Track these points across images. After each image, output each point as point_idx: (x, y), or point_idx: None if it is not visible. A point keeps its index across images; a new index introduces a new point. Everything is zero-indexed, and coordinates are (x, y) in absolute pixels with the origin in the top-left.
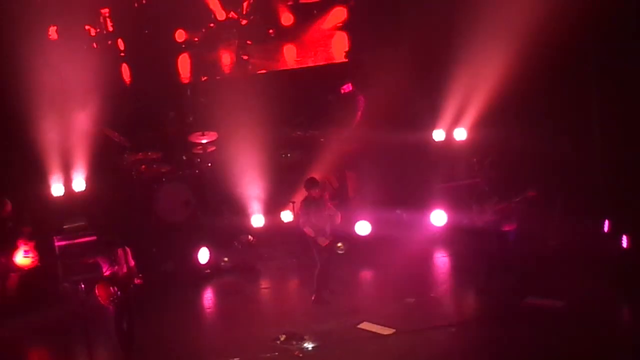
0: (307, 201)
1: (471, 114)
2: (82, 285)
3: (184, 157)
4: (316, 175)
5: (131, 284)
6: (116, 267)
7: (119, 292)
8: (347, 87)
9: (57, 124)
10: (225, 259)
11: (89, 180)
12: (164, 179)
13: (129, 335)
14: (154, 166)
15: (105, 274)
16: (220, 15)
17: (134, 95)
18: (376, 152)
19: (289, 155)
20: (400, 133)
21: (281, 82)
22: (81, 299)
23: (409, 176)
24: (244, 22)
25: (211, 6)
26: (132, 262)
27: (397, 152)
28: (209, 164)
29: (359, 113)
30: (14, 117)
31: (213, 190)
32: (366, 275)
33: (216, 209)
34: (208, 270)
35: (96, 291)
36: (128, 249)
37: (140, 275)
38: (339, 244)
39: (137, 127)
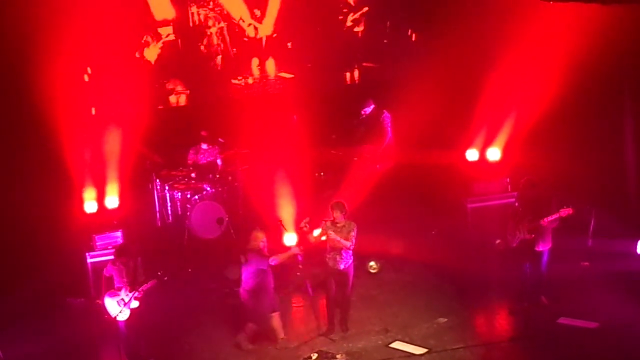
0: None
1: (505, 133)
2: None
3: (217, 176)
4: (344, 195)
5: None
6: (126, 280)
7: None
8: (369, 106)
9: (92, 140)
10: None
11: (122, 197)
12: (197, 197)
13: (137, 355)
14: (188, 184)
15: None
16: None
17: (167, 113)
18: (408, 172)
19: (322, 174)
20: (432, 152)
21: (314, 100)
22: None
23: (441, 196)
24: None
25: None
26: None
27: (429, 171)
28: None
29: (388, 131)
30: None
31: (246, 209)
32: (397, 294)
33: (249, 227)
34: (237, 288)
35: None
36: (139, 260)
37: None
38: (371, 263)
39: (171, 145)
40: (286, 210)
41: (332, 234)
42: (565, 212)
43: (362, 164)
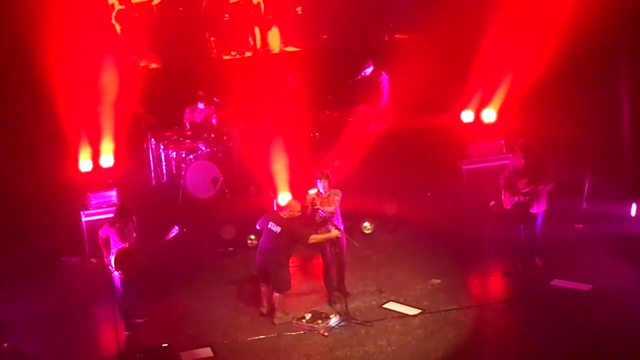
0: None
1: (500, 95)
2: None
3: (212, 135)
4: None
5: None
6: (127, 242)
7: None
8: (368, 67)
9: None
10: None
11: (117, 156)
12: (192, 157)
13: (131, 313)
14: (182, 144)
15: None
16: None
17: (165, 72)
18: (403, 133)
19: (317, 134)
20: (428, 114)
21: (311, 61)
22: (109, 273)
23: (436, 157)
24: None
25: None
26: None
27: (424, 133)
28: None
29: (385, 92)
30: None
31: (240, 169)
32: (392, 255)
33: (244, 187)
34: (231, 248)
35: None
36: (135, 220)
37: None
38: (365, 224)
39: (166, 104)
40: (280, 170)
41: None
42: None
43: (357, 125)
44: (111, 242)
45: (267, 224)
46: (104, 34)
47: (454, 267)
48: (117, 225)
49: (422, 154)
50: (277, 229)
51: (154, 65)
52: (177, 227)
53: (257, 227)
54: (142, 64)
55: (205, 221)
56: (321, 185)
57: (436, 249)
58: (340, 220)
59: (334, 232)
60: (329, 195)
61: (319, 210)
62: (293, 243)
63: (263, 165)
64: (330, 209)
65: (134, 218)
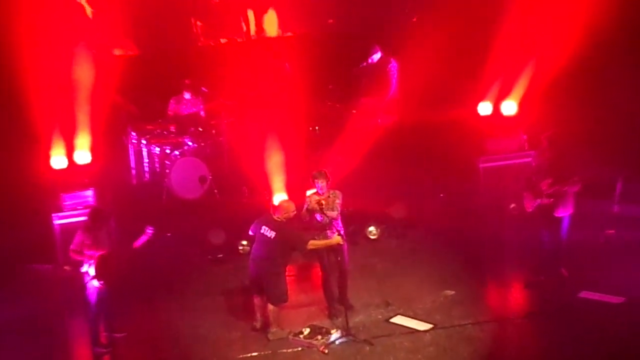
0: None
1: (522, 85)
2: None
3: (200, 129)
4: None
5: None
6: (103, 249)
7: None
8: (375, 52)
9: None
10: (244, 242)
11: (94, 152)
12: (177, 153)
13: (109, 328)
14: (167, 138)
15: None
16: None
17: (146, 60)
18: (413, 127)
19: (317, 128)
20: (441, 106)
21: (310, 45)
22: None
23: (450, 154)
24: None
25: None
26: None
27: (436, 127)
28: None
29: (393, 82)
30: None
31: (231, 166)
32: (399, 263)
33: (235, 186)
34: (221, 255)
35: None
36: (113, 223)
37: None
38: (371, 228)
39: (149, 94)
40: (276, 169)
41: (322, 206)
42: (588, 176)
43: (362, 118)
44: (85, 249)
45: (260, 228)
46: (74, 19)
47: (469, 277)
48: (91, 230)
49: (434, 151)
50: (271, 234)
51: (130, 53)
52: (150, 229)
53: (250, 232)
54: (117, 52)
55: (191, 225)
56: (318, 186)
57: (450, 256)
58: (340, 225)
59: (336, 239)
60: (328, 196)
61: (316, 215)
62: (289, 249)
63: (256, 162)
64: (334, 214)
65: (112, 221)
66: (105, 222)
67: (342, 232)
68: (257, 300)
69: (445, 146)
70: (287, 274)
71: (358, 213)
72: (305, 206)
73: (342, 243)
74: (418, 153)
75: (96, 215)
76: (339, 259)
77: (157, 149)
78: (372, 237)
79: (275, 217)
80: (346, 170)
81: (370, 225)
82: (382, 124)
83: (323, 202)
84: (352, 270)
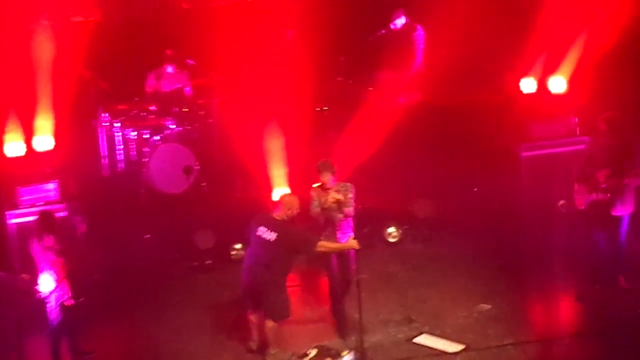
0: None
1: (573, 57)
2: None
3: (185, 110)
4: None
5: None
6: (60, 258)
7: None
8: (399, 17)
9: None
10: (237, 246)
11: (57, 137)
12: (158, 138)
13: (75, 348)
14: (145, 121)
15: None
16: None
17: (119, 26)
18: (442, 109)
19: (325, 109)
20: (475, 82)
21: (317, 9)
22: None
23: (486, 141)
24: None
25: None
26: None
27: (470, 108)
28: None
29: (419, 53)
30: None
31: (223, 154)
32: (425, 272)
33: (227, 179)
34: (209, 261)
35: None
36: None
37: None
38: (390, 230)
39: (123, 67)
40: (276, 157)
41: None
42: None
43: (379, 96)
44: (37, 260)
45: (256, 230)
46: None
47: (508, 289)
48: (42, 238)
49: (466, 137)
50: (271, 236)
51: (92, 19)
52: (80, 217)
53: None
54: (77, 19)
55: (175, 225)
56: (324, 179)
57: (485, 263)
58: (350, 225)
59: (352, 243)
60: (337, 190)
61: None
62: (293, 254)
63: (253, 150)
64: (350, 210)
65: (80, 219)
66: (55, 228)
67: (350, 234)
68: (252, 317)
69: (480, 131)
70: (288, 284)
71: (375, 211)
72: (314, 202)
73: (357, 248)
74: (447, 139)
75: (44, 220)
76: (343, 263)
77: (134, 134)
78: (392, 240)
79: (275, 216)
80: (360, 159)
81: (389, 226)
82: (404, 104)
83: (341, 197)
84: (367, 280)
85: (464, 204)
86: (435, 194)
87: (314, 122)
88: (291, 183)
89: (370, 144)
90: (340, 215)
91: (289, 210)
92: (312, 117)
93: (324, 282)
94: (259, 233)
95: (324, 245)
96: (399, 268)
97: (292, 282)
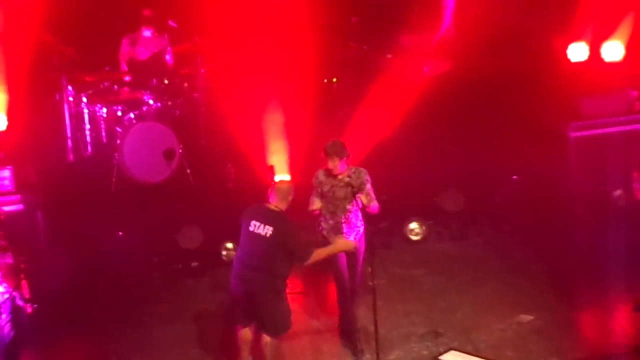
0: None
1: (630, 19)
2: None
3: (166, 81)
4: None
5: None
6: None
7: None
8: None
9: None
10: (229, 245)
11: (12, 114)
12: (132, 115)
13: None
14: (118, 95)
15: None
16: None
17: None
18: (474, 80)
19: (335, 81)
20: (514, 48)
21: None
22: None
23: (527, 119)
24: None
25: None
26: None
27: (507, 80)
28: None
29: (447, 13)
30: None
31: (211, 135)
32: (454, 276)
33: (216, 164)
34: (195, 263)
35: None
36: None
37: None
38: (412, 226)
39: (91, 32)
40: (276, 138)
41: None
42: None
43: (400, 65)
44: None
45: (248, 224)
46: None
47: (554, 297)
48: None
49: (504, 115)
50: (267, 231)
51: None
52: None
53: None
54: None
55: (154, 220)
56: (333, 164)
57: (526, 266)
58: (360, 218)
59: (342, 243)
60: (349, 177)
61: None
62: (289, 254)
63: (248, 130)
64: (373, 203)
65: (39, 214)
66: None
67: (361, 229)
68: (244, 332)
69: (520, 108)
70: (289, 290)
71: (394, 203)
72: (316, 190)
73: (350, 249)
74: (481, 117)
75: None
76: (350, 262)
77: (104, 110)
78: (414, 238)
79: (270, 206)
80: (377, 141)
81: (412, 221)
82: (430, 75)
83: (352, 180)
84: (385, 286)
85: (500, 195)
86: (466, 183)
87: (321, 97)
88: (294, 171)
89: (388, 123)
90: (349, 206)
91: (286, 198)
92: (319, 91)
93: (332, 288)
94: (251, 228)
95: (319, 253)
96: (423, 271)
97: (294, 288)
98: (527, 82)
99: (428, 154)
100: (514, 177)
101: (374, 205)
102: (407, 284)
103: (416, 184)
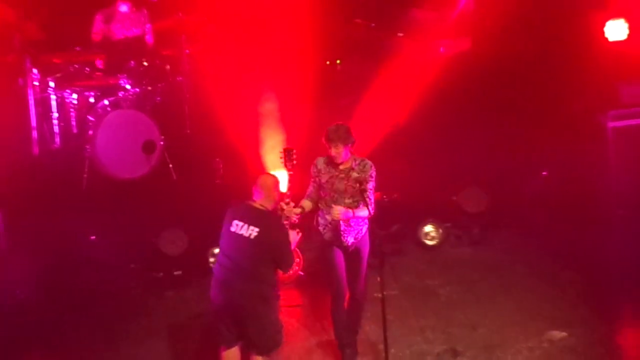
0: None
1: None
2: None
3: (145, 63)
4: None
5: None
6: None
7: None
8: None
9: None
10: (217, 251)
11: None
12: (107, 103)
13: None
14: (90, 79)
15: None
16: None
17: None
18: (497, 60)
19: (338, 62)
20: (543, 26)
21: None
22: None
23: (559, 107)
24: None
25: None
26: None
27: (536, 62)
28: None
29: None
30: None
31: (197, 125)
32: (476, 286)
33: (203, 159)
34: (178, 272)
35: None
36: None
37: None
38: (427, 229)
39: (60, 8)
40: (271, 129)
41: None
42: None
43: (412, 44)
44: None
45: (230, 224)
46: None
47: (589, 310)
48: None
49: (531, 101)
50: (251, 232)
51: None
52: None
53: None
54: None
55: (131, 222)
56: (335, 152)
57: (557, 275)
58: (364, 218)
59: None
60: (351, 168)
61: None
62: (274, 260)
63: (239, 119)
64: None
65: None
66: None
67: (364, 229)
68: (229, 354)
69: (550, 93)
70: (286, 303)
71: (406, 204)
72: (314, 180)
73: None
74: (505, 104)
75: None
76: (352, 269)
77: (74, 97)
78: (429, 242)
79: (256, 205)
80: (386, 132)
81: (426, 224)
82: (447, 55)
83: (355, 174)
84: (396, 298)
85: (528, 194)
86: (489, 180)
87: (323, 82)
88: (291, 165)
89: (399, 111)
90: (349, 201)
91: (272, 194)
92: (321, 76)
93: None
94: (233, 229)
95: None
96: (440, 281)
97: (290, 300)
98: (559, 65)
99: (445, 147)
100: (544, 172)
101: (364, 214)
102: (421, 295)
103: (432, 181)
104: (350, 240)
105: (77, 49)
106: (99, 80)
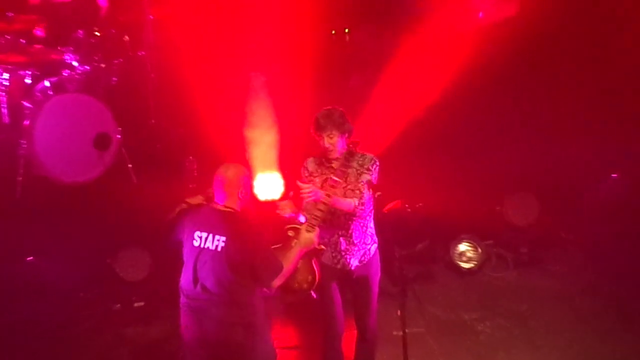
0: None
1: None
2: None
3: (97, 33)
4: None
5: None
6: None
7: None
8: None
9: None
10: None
11: None
12: (48, 85)
13: None
14: (25, 54)
15: None
16: None
17: None
18: (549, 31)
19: (347, 31)
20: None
21: None
22: None
23: (627, 93)
24: None
25: None
26: None
27: (597, 33)
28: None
29: None
30: None
31: (164, 114)
32: (526, 320)
33: (171, 157)
34: (141, 303)
35: None
36: None
37: None
38: (463, 248)
39: None
40: (259, 118)
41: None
42: None
43: (442, 9)
44: None
45: (191, 238)
46: None
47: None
48: None
49: (595, 85)
50: (218, 242)
51: None
52: None
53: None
54: None
55: (80, 238)
56: (328, 141)
57: (629, 307)
58: (369, 228)
59: (306, 237)
60: (348, 162)
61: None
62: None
63: (218, 105)
64: (350, 202)
65: None
66: None
67: (373, 248)
68: None
69: (619, 75)
70: (281, 344)
71: (435, 215)
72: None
73: (313, 245)
74: (561, 87)
75: None
76: (359, 296)
77: (6, 76)
78: (465, 265)
79: (219, 207)
80: (408, 122)
81: (461, 242)
82: (487, 23)
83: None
84: (422, 336)
85: (593, 202)
86: (542, 185)
87: (327, 56)
88: (285, 164)
89: (425, 95)
90: (351, 201)
91: (236, 190)
92: (324, 48)
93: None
94: (196, 243)
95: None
96: (478, 314)
97: (284, 341)
98: (630, 39)
99: (485, 143)
100: (613, 175)
101: (348, 203)
102: (454, 333)
103: (468, 187)
104: (354, 263)
105: (9, 14)
106: (37, 56)
